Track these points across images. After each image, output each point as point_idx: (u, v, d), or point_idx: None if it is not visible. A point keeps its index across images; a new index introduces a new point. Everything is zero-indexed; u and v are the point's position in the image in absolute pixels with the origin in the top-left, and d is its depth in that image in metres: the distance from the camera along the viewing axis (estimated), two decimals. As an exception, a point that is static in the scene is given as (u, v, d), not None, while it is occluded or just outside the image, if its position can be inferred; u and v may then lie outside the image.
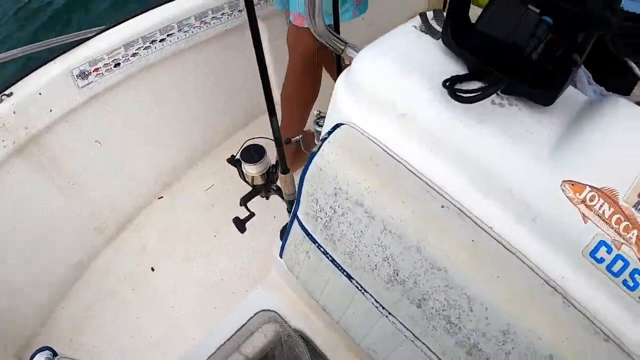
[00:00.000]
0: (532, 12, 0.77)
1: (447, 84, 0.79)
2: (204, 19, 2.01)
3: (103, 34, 1.78)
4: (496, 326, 0.73)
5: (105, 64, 1.79)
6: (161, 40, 1.92)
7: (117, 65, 1.83)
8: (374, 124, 0.85)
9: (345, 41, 1.06)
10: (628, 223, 0.69)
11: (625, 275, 0.68)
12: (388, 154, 0.83)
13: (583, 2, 0.72)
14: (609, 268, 0.69)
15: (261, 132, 1.27)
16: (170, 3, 1.93)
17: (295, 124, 2.10)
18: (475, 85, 0.79)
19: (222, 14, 2.06)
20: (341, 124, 0.87)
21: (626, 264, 0.68)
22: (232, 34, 2.15)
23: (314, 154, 0.87)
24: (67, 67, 1.68)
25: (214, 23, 2.06)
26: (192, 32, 2.01)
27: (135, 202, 2.25)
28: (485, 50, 0.85)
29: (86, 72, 1.75)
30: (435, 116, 0.79)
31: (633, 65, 1.32)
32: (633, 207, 0.69)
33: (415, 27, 0.92)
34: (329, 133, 0.86)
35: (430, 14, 0.96)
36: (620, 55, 1.27)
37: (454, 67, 0.85)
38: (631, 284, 0.68)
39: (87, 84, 1.77)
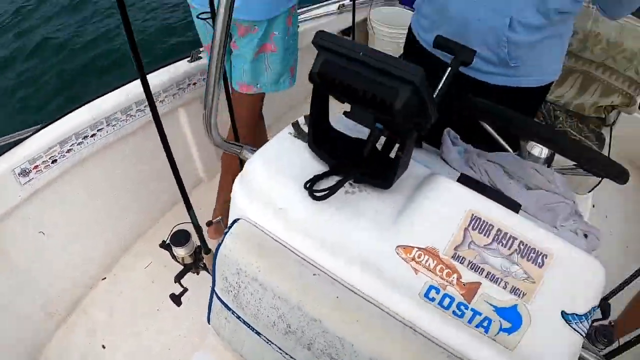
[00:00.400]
0: (370, 117, 0.93)
1: (308, 185, 0.96)
2: (129, 112, 2.19)
3: (39, 132, 1.92)
4: (363, 356, 0.92)
5: (44, 161, 1.93)
6: (92, 136, 2.09)
7: (54, 161, 1.97)
8: (262, 218, 1.04)
9: (242, 145, 1.25)
10: (449, 270, 0.89)
11: (454, 307, 0.87)
12: (274, 239, 1.02)
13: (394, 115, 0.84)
14: (440, 304, 0.88)
15: (186, 214, 1.46)
16: (98, 99, 2.11)
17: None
18: (334, 180, 0.97)
19: (145, 105, 2.23)
20: (238, 219, 1.06)
21: (452, 299, 0.88)
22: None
23: (219, 245, 1.05)
24: (9, 166, 1.81)
25: (138, 115, 2.24)
26: (120, 125, 2.18)
27: (81, 285, 2.36)
28: (340, 149, 1.04)
29: (27, 170, 1.88)
30: (303, 211, 0.99)
31: (488, 128, 1.59)
32: (451, 258, 0.90)
33: (290, 133, 1.12)
34: (229, 227, 1.05)
35: (302, 120, 1.15)
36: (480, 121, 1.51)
37: (321, 167, 1.03)
38: (459, 313, 0.87)
39: (29, 181, 1.90)
